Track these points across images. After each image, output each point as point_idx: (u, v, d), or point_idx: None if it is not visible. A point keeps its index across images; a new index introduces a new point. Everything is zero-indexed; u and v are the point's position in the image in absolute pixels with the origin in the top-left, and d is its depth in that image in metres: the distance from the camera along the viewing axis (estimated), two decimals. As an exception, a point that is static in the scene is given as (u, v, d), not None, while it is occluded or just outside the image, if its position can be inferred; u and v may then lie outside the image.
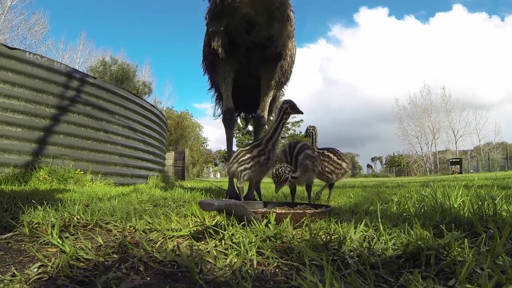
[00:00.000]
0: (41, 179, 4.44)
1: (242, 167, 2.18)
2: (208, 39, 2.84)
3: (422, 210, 1.74)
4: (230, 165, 2.26)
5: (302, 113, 2.27)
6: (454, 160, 34.42)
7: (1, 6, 23.21)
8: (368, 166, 60.14)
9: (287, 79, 3.22)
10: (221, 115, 3.16)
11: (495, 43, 64.11)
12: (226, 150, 3.30)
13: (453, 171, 30.15)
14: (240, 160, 2.19)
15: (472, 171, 35.61)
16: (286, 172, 1.99)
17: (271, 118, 3.67)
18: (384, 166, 46.32)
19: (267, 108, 3.22)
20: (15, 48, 4.83)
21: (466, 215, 1.53)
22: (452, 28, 69.56)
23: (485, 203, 1.53)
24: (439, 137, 43.76)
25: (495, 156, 40.89)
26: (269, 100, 3.21)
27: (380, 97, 68.37)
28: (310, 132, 2.77)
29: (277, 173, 1.98)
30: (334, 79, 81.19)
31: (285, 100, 2.25)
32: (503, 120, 60.11)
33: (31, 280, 0.82)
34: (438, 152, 43.74)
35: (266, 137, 2.24)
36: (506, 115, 57.87)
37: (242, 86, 3.26)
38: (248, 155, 2.19)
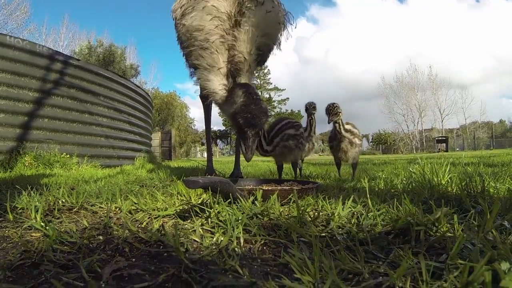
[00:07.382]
0: (27, 164, 4.34)
1: None
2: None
3: (410, 187, 1.75)
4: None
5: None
6: (440, 138, 34.80)
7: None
8: (355, 144, 60.53)
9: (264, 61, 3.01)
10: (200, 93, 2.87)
11: (469, 23, 64.55)
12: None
13: (439, 149, 30.59)
14: None
15: (458, 149, 36.20)
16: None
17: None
18: (371, 143, 46.49)
19: None
20: (-6, 31, 4.64)
21: (454, 191, 1.54)
22: (428, 8, 69.90)
23: (473, 180, 1.54)
24: (426, 115, 44.04)
25: (481, 135, 41.57)
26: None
27: (358, 76, 68.74)
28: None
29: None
30: (311, 59, 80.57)
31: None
32: (482, 99, 60.86)
33: (13, 266, 0.79)
34: (424, 130, 44.15)
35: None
36: (483, 95, 58.79)
37: None
38: None
